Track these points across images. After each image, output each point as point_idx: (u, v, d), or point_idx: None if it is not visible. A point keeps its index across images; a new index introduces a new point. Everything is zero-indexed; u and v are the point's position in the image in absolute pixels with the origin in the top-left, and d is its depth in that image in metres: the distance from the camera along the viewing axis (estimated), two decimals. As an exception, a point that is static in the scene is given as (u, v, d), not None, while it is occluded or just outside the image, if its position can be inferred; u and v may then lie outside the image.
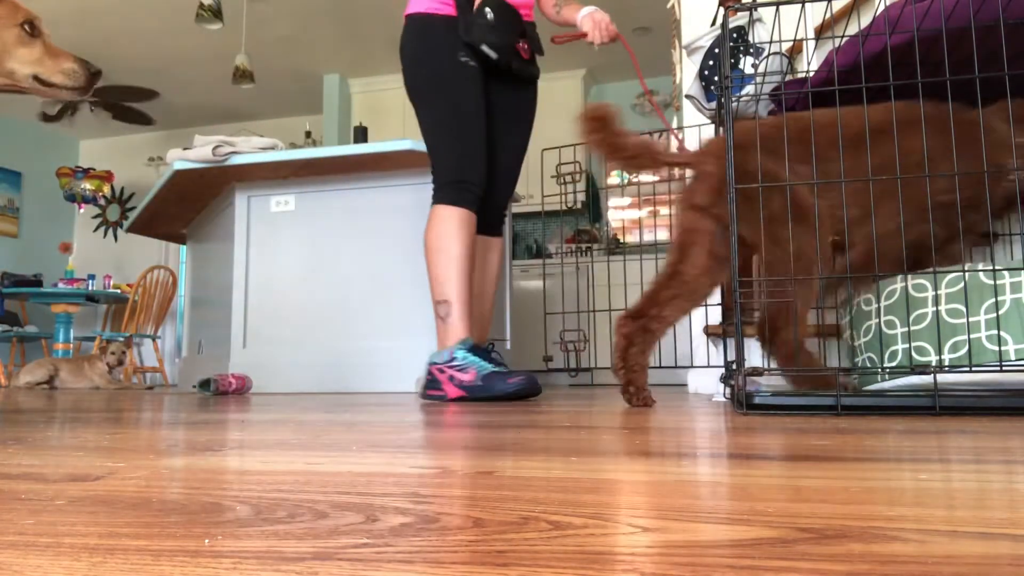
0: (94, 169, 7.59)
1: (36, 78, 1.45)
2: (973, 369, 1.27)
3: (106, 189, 7.66)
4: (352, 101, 7.08)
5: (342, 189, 3.52)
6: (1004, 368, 1.24)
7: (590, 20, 2.33)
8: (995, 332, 1.27)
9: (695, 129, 2.65)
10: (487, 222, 2.39)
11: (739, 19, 1.86)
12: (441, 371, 2.04)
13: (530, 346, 6.07)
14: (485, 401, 1.95)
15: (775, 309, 1.47)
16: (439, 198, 2.16)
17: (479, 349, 2.10)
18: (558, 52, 6.45)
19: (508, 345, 3.91)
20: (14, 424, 1.28)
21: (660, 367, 2.56)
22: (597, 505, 0.48)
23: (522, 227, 7.06)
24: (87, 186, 7.39)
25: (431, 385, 2.07)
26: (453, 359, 2.03)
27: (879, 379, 1.40)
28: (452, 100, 2.19)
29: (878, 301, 1.43)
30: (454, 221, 2.12)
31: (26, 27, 1.44)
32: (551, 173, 6.66)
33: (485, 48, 2.19)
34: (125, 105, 6.81)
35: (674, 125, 2.25)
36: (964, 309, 1.30)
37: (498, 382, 1.95)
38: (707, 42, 1.97)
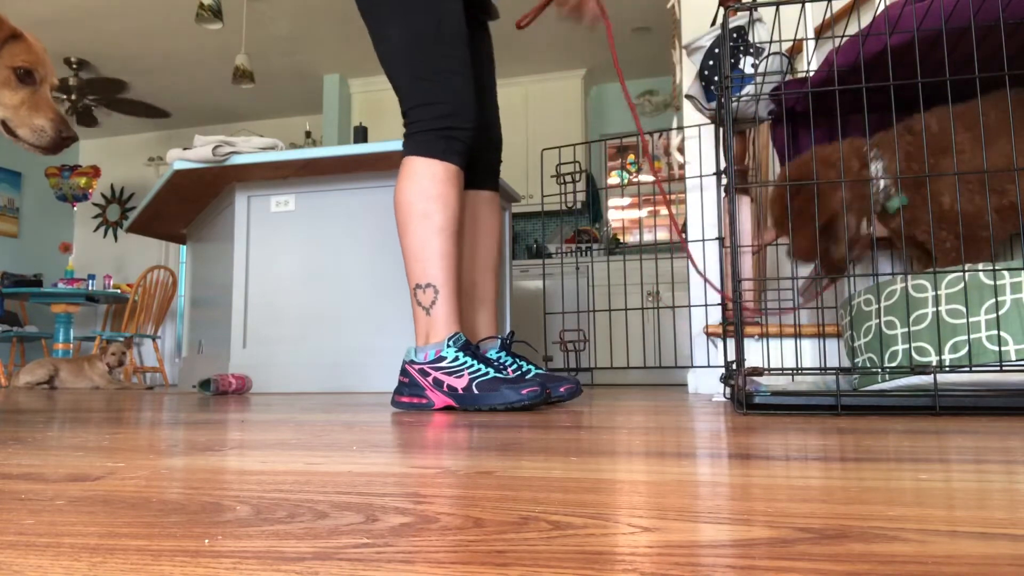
0: (80, 166, 7.59)
1: (3, 123, 1.41)
2: (973, 369, 1.27)
3: (95, 184, 7.65)
4: (352, 101, 7.08)
5: (342, 189, 3.52)
6: (1004, 368, 1.24)
7: None
8: (995, 332, 1.27)
9: (695, 129, 2.65)
10: (490, 170, 1.92)
11: (739, 19, 1.86)
12: (424, 373, 1.63)
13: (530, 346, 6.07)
14: (479, 411, 1.57)
15: None
16: (417, 147, 1.66)
17: (471, 344, 1.67)
18: (557, 52, 6.45)
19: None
20: (14, 424, 1.28)
21: (660, 367, 2.56)
22: (597, 505, 0.48)
23: (522, 227, 7.07)
24: (77, 182, 7.39)
25: (408, 390, 1.65)
26: (441, 359, 1.61)
27: (879, 379, 1.40)
28: (435, 12, 1.67)
29: (878, 301, 1.43)
30: (438, 179, 1.63)
31: (19, 71, 1.39)
32: (551, 173, 6.67)
33: None
34: (127, 113, 6.80)
35: (674, 125, 2.23)
36: (964, 309, 1.30)
37: (506, 391, 1.53)
38: (707, 42, 1.97)
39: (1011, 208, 1.55)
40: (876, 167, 1.60)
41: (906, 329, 1.36)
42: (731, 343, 1.89)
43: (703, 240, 2.49)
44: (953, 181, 1.54)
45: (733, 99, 1.76)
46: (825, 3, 1.86)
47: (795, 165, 1.65)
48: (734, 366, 1.45)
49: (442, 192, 1.64)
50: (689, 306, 2.47)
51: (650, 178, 6.71)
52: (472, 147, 1.71)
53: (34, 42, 1.42)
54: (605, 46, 6.35)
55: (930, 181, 1.55)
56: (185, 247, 5.60)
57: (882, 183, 1.60)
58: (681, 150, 2.67)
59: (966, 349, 1.29)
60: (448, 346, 1.62)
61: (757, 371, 1.47)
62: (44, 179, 7.89)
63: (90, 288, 6.32)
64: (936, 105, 1.73)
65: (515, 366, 1.79)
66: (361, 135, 5.10)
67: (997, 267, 1.29)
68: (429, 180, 1.64)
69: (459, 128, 1.66)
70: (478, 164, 1.90)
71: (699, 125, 2.44)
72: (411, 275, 1.67)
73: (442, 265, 1.64)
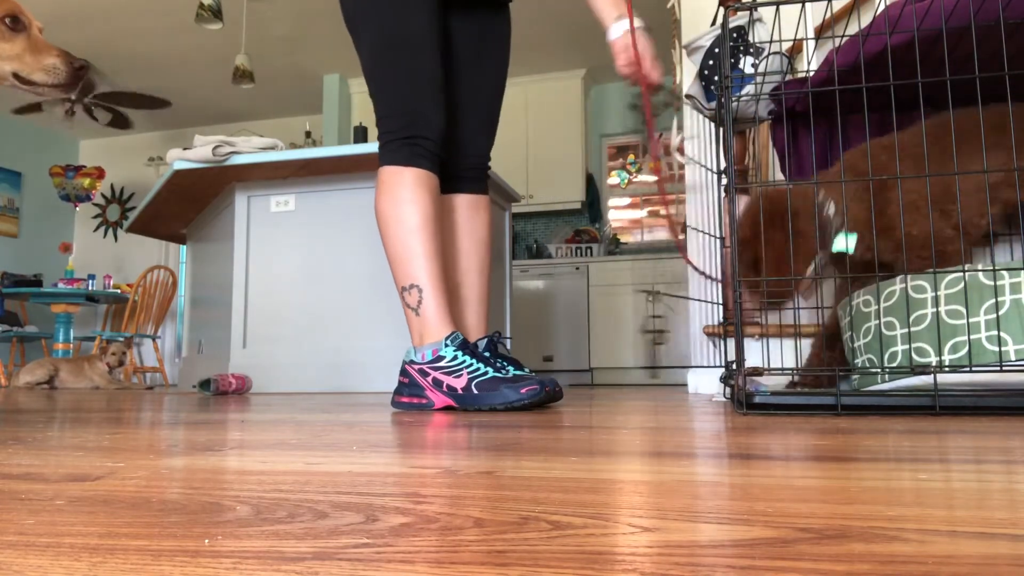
0: (85, 167, 7.59)
1: (16, 75, 1.39)
2: (973, 369, 1.27)
3: (99, 186, 7.64)
4: (352, 101, 7.08)
5: (342, 189, 3.52)
6: (1004, 368, 1.24)
7: (622, 44, 1.77)
8: (995, 332, 1.27)
9: (695, 129, 2.65)
10: (466, 176, 1.93)
11: (739, 19, 1.85)
12: (423, 373, 1.64)
13: (529, 346, 6.07)
14: (479, 411, 1.56)
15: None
16: (386, 157, 1.73)
17: (469, 343, 1.69)
18: (557, 52, 6.45)
19: (509, 345, 3.91)
20: (14, 424, 1.28)
21: (660, 367, 2.56)
22: (597, 505, 0.48)
23: (522, 227, 7.07)
24: (81, 183, 7.38)
25: (408, 390, 1.67)
26: (439, 358, 1.63)
27: (879, 380, 1.40)
28: (394, 22, 1.72)
29: (878, 302, 1.43)
30: (407, 183, 1.69)
31: (7, 21, 1.38)
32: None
33: None
34: (127, 106, 6.80)
35: (674, 125, 2.23)
36: (964, 310, 1.30)
37: (506, 390, 1.54)
38: (707, 42, 1.97)
39: (966, 225, 1.55)
40: (828, 210, 1.59)
41: (906, 330, 1.36)
42: (731, 343, 1.89)
43: (703, 231, 2.49)
44: (900, 209, 1.53)
45: (733, 99, 1.76)
46: (825, 3, 1.86)
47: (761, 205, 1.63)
48: (734, 366, 1.45)
49: (412, 196, 1.69)
50: (694, 299, 2.47)
51: (651, 178, 6.70)
52: (440, 153, 1.75)
53: None
54: (605, 47, 6.35)
55: (879, 214, 1.54)
56: (185, 247, 5.60)
57: (833, 227, 1.59)
58: (681, 150, 2.67)
59: (966, 349, 1.29)
60: (446, 345, 1.63)
61: (757, 371, 1.47)
62: (44, 179, 7.89)
63: (90, 288, 6.32)
64: (935, 105, 1.74)
65: (498, 366, 1.79)
66: (361, 135, 5.10)
67: (996, 267, 1.29)
68: (398, 186, 1.70)
69: (421, 137, 1.71)
70: (455, 169, 1.91)
71: (697, 108, 2.44)
72: (396, 279, 1.72)
73: (423, 265, 1.67)
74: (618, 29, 1.76)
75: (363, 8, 1.75)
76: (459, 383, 1.59)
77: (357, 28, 1.78)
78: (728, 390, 1.77)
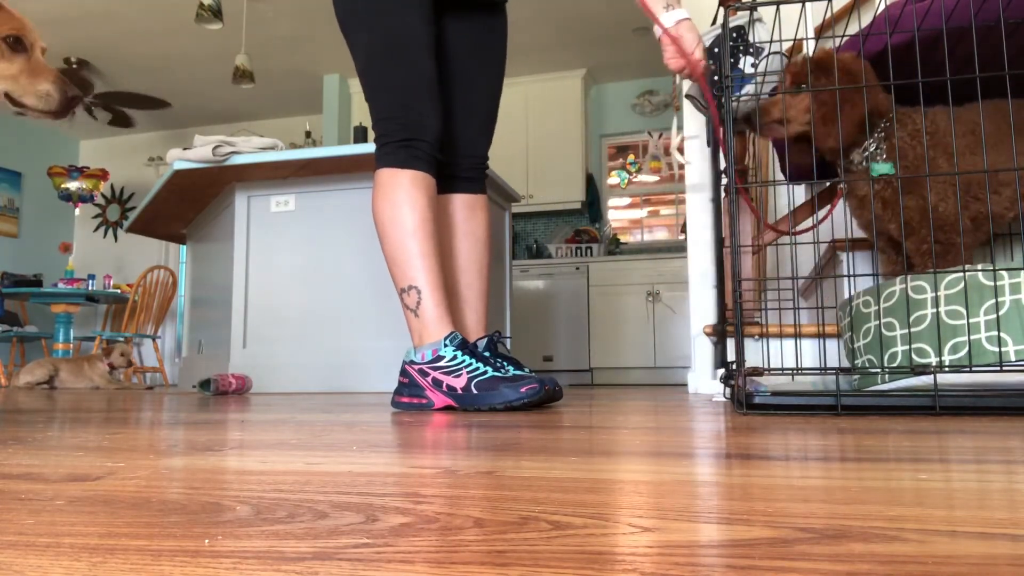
0: (88, 168, 7.58)
1: (7, 95, 1.38)
2: (973, 370, 1.27)
3: (101, 187, 7.63)
4: (352, 101, 7.08)
5: (342, 189, 3.52)
6: (1004, 368, 1.24)
7: (669, 38, 1.73)
8: (995, 333, 1.27)
9: (696, 129, 2.65)
10: (463, 176, 1.93)
11: (739, 19, 1.85)
12: (423, 373, 1.64)
13: (529, 346, 6.07)
14: (479, 411, 1.55)
15: None
16: (383, 159, 1.73)
17: (469, 343, 1.70)
18: (557, 52, 6.45)
19: (509, 345, 3.91)
20: (14, 424, 1.28)
21: (660, 367, 2.56)
22: (597, 505, 0.48)
23: (522, 227, 7.06)
24: (83, 185, 7.36)
25: (408, 390, 1.67)
26: (439, 358, 1.63)
27: (879, 380, 1.40)
28: (387, 25, 1.73)
29: (877, 303, 1.43)
30: (404, 185, 1.69)
31: (9, 40, 1.37)
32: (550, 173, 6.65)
33: None
34: (127, 106, 6.80)
35: (674, 125, 2.22)
36: (964, 310, 1.30)
37: (505, 390, 1.54)
38: (707, 42, 1.96)
39: (984, 217, 1.57)
40: (878, 133, 1.63)
41: (906, 330, 1.36)
42: (731, 343, 1.89)
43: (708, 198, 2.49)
44: (938, 181, 1.55)
45: (733, 99, 1.76)
46: (825, 3, 1.86)
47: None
48: (733, 366, 1.45)
49: (408, 197, 1.69)
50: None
51: (651, 178, 6.70)
52: (437, 155, 1.74)
53: (14, 10, 1.40)
54: (605, 47, 6.35)
55: (915, 178, 1.57)
56: (185, 247, 5.60)
57: (873, 146, 1.62)
58: (681, 150, 2.66)
59: (966, 350, 1.29)
60: (445, 345, 1.63)
61: (757, 371, 1.47)
62: (44, 179, 7.87)
63: (90, 288, 6.32)
64: (935, 105, 1.74)
65: (497, 365, 1.79)
66: (361, 135, 5.10)
67: (996, 267, 1.29)
68: (394, 188, 1.70)
69: (418, 139, 1.71)
70: (453, 169, 1.90)
71: (694, 98, 2.41)
72: (395, 281, 1.72)
73: (420, 265, 1.67)
74: (668, 20, 1.72)
75: (356, 11, 1.75)
76: (459, 383, 1.59)
77: (351, 32, 1.78)
78: (728, 390, 1.77)
